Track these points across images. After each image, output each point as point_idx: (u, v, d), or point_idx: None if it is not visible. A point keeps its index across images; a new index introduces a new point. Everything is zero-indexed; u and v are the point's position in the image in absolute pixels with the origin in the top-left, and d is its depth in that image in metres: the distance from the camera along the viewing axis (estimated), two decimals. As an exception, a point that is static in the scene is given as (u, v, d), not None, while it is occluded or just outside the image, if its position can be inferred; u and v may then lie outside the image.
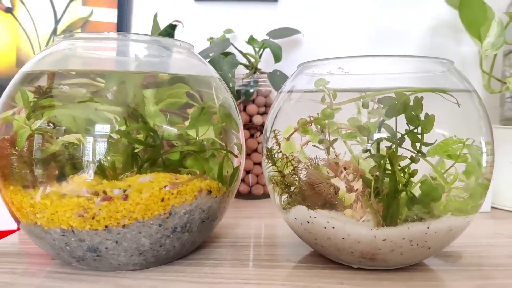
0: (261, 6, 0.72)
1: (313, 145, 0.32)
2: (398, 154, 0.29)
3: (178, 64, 0.37)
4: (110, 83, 0.32)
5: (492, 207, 0.57)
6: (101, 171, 0.29)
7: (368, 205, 0.30)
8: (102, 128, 0.29)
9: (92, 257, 0.31)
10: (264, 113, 0.63)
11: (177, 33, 0.59)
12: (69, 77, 0.32)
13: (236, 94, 0.62)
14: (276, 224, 0.49)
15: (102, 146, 0.29)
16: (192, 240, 0.34)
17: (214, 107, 0.34)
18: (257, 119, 0.62)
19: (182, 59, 0.37)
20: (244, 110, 0.63)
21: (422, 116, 0.29)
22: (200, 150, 0.33)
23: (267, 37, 0.65)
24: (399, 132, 0.28)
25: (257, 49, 0.64)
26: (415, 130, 0.29)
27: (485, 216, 0.53)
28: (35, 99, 0.30)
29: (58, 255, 0.32)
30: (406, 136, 0.29)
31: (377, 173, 0.29)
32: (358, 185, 0.30)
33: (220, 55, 0.57)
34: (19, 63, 0.69)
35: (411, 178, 0.29)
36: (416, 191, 0.30)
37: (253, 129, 0.62)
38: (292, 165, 0.34)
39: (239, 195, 0.62)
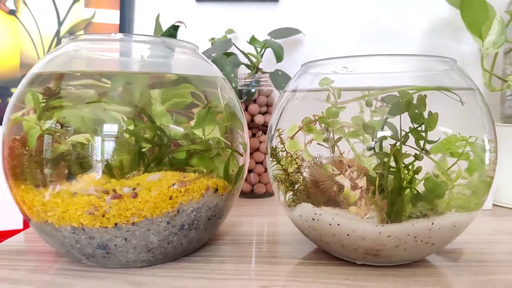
0: (262, 7, 0.73)
1: (318, 144, 0.32)
2: (402, 151, 0.29)
3: (184, 65, 0.38)
4: (118, 83, 0.33)
5: (494, 205, 0.57)
6: (110, 170, 0.30)
7: (372, 202, 0.30)
8: (111, 128, 0.30)
9: (101, 254, 0.31)
10: (266, 113, 0.64)
11: (179, 34, 0.60)
12: (77, 78, 0.32)
13: (238, 94, 0.62)
14: (278, 222, 0.50)
15: (111, 145, 0.29)
16: (199, 238, 0.35)
17: (220, 107, 0.35)
18: (259, 119, 0.63)
19: (187, 60, 0.37)
20: (246, 109, 0.63)
21: (425, 114, 0.29)
22: (206, 149, 0.33)
23: (268, 37, 0.66)
24: (403, 130, 0.29)
25: (258, 49, 0.65)
26: (419, 128, 0.29)
27: (487, 213, 0.54)
28: (44, 100, 0.31)
29: (68, 252, 0.32)
30: (410, 134, 0.29)
31: (382, 170, 0.30)
32: (362, 182, 0.31)
33: (222, 55, 0.57)
34: (23, 65, 0.70)
35: (416, 175, 0.29)
36: (420, 188, 0.31)
37: (254, 128, 0.63)
38: (297, 163, 0.34)
39: (241, 193, 0.63)
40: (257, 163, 0.63)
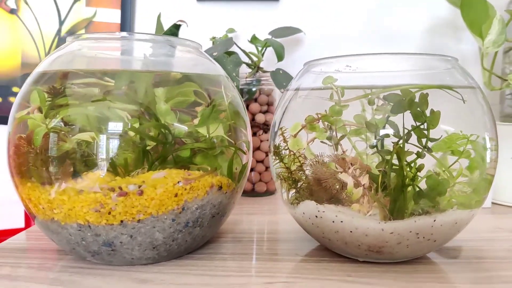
0: (263, 6, 0.73)
1: (321, 142, 0.33)
2: (405, 149, 0.30)
3: (188, 63, 0.38)
4: (123, 82, 0.33)
5: (493, 203, 0.58)
6: (115, 168, 0.30)
7: (375, 199, 0.30)
8: (117, 126, 0.30)
9: (106, 252, 0.31)
10: (267, 112, 0.64)
11: (180, 33, 0.60)
12: (82, 76, 0.32)
13: (240, 93, 0.63)
14: (279, 220, 0.50)
15: (117, 143, 0.30)
16: (203, 235, 0.35)
17: (223, 105, 0.35)
18: (260, 118, 0.63)
19: (191, 58, 0.38)
20: (247, 108, 0.63)
21: (427, 112, 0.30)
22: (210, 147, 0.34)
23: (269, 36, 0.66)
24: (406, 128, 0.29)
25: (259, 48, 0.65)
26: (421, 126, 0.30)
27: (486, 211, 0.54)
28: (50, 99, 0.31)
29: (74, 249, 0.32)
30: (412, 132, 0.30)
31: (384, 168, 0.30)
32: (365, 180, 0.31)
33: (224, 54, 0.57)
34: (24, 64, 0.70)
35: (418, 173, 0.30)
36: (422, 185, 0.31)
37: (255, 127, 0.63)
38: (300, 161, 0.35)
39: (242, 192, 0.63)
40: (258, 161, 0.63)
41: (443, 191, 0.30)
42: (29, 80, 0.34)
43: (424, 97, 0.30)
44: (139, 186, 0.30)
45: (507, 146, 0.55)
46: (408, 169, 0.30)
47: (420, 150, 0.30)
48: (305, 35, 0.72)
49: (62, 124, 0.30)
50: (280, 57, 0.63)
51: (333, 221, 0.32)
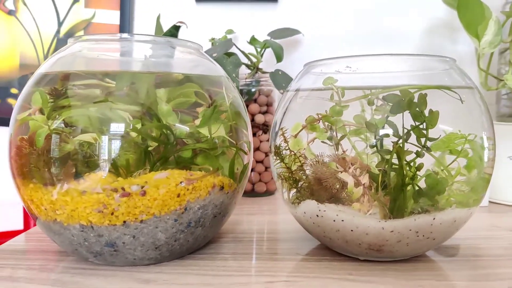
0: (261, 7, 0.74)
1: (322, 142, 0.33)
2: (404, 149, 0.30)
3: (189, 64, 0.38)
4: (124, 83, 0.33)
5: (490, 202, 0.59)
6: (117, 169, 0.30)
7: (375, 198, 0.31)
8: (119, 127, 0.30)
9: (109, 252, 0.32)
10: (266, 112, 0.65)
11: (179, 34, 0.60)
12: (85, 78, 0.33)
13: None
14: (279, 220, 0.50)
15: (119, 144, 0.30)
16: (205, 235, 0.35)
17: (225, 106, 0.35)
18: (259, 118, 0.63)
19: (192, 59, 0.38)
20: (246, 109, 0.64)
21: (426, 112, 0.30)
22: (212, 147, 0.34)
23: (268, 37, 0.66)
24: (405, 128, 0.30)
25: (258, 49, 0.65)
26: (420, 126, 0.30)
27: (483, 210, 0.55)
28: (52, 100, 0.31)
29: (76, 250, 0.33)
30: (411, 132, 0.30)
31: (384, 167, 0.30)
32: (365, 179, 0.31)
33: (223, 55, 0.58)
34: (22, 65, 0.70)
35: (417, 172, 0.30)
36: (421, 185, 0.32)
37: (255, 128, 0.64)
38: (300, 161, 0.35)
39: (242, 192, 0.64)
40: (257, 162, 0.64)
41: (442, 190, 0.31)
42: (30, 81, 0.34)
43: (423, 98, 0.30)
44: (142, 187, 0.30)
45: (504, 145, 0.56)
46: (407, 168, 0.31)
47: (419, 150, 0.30)
48: (304, 36, 0.72)
49: (63, 125, 0.30)
50: (279, 58, 0.63)
51: (334, 220, 0.32)
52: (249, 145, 0.38)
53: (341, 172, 0.32)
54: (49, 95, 0.32)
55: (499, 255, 0.37)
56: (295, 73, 0.41)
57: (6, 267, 0.34)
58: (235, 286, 0.30)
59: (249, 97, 0.63)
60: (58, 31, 0.70)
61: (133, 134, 0.31)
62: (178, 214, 0.31)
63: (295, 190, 0.36)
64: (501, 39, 0.52)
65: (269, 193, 0.65)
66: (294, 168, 0.35)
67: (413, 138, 0.31)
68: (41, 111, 0.32)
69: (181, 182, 0.31)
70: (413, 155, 0.31)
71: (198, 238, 0.35)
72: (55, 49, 0.70)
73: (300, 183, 0.35)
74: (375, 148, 0.31)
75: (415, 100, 0.30)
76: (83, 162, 0.30)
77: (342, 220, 0.32)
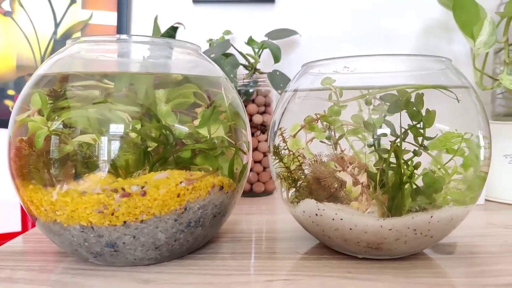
0: (258, 7, 0.74)
1: (321, 141, 0.33)
2: (402, 148, 0.30)
3: (188, 65, 0.38)
4: (123, 84, 0.33)
5: (486, 200, 0.59)
6: (117, 169, 0.30)
7: (374, 197, 0.31)
8: (118, 128, 0.30)
9: (109, 253, 0.32)
10: (264, 112, 0.65)
11: (177, 35, 0.60)
12: (83, 79, 0.33)
13: (237, 94, 0.63)
14: (277, 219, 0.51)
15: (119, 145, 0.30)
16: (204, 235, 0.35)
17: (224, 106, 0.35)
18: (257, 118, 0.64)
19: (191, 60, 0.38)
20: (244, 109, 0.64)
21: (423, 112, 0.30)
22: (211, 148, 0.34)
23: (265, 38, 0.67)
24: (403, 127, 0.30)
25: (256, 50, 0.66)
26: (418, 125, 0.30)
27: (480, 208, 0.55)
28: (51, 101, 0.31)
29: (76, 251, 0.33)
30: (408, 131, 0.30)
31: (382, 166, 0.31)
32: (363, 178, 0.32)
33: (221, 56, 0.58)
34: (19, 66, 0.70)
35: (415, 171, 0.31)
36: (418, 183, 0.32)
37: (253, 128, 0.64)
38: (299, 161, 0.35)
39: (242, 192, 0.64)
40: (256, 162, 0.64)
41: (439, 188, 0.31)
42: (29, 83, 0.34)
43: (420, 97, 0.31)
44: (142, 187, 0.30)
45: (499, 144, 0.56)
46: (405, 167, 0.31)
47: (416, 149, 0.31)
48: (301, 37, 0.73)
49: (63, 126, 0.30)
50: (276, 59, 0.64)
51: (333, 219, 0.32)
52: (248, 145, 0.38)
53: (340, 171, 0.32)
54: (48, 96, 0.32)
55: (495, 252, 0.38)
56: (293, 73, 0.42)
57: (5, 269, 0.34)
58: (235, 285, 0.30)
59: (247, 97, 0.63)
60: (55, 32, 0.70)
61: (133, 135, 0.31)
62: (178, 214, 0.31)
63: (294, 189, 0.36)
64: (496, 39, 0.53)
65: (267, 193, 0.65)
66: (293, 167, 0.35)
67: (410, 137, 0.31)
68: (39, 113, 0.32)
69: (181, 182, 0.31)
70: (411, 154, 0.31)
71: (198, 238, 0.35)
72: (52, 51, 0.70)
73: (299, 182, 0.36)
74: (373, 147, 0.31)
75: (412, 99, 0.31)
76: (83, 163, 0.30)
77: (341, 219, 0.32)
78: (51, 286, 0.31)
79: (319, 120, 0.34)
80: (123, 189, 0.29)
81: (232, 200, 0.37)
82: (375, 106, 0.32)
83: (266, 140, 0.64)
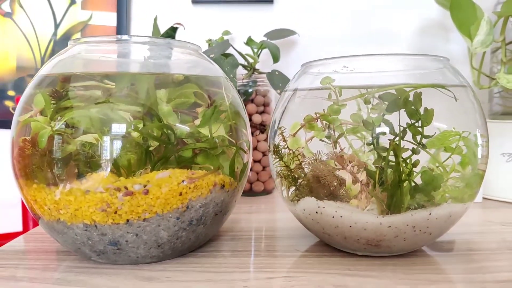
0: (257, 8, 0.74)
1: (320, 140, 0.34)
2: (401, 146, 0.31)
3: (189, 65, 0.39)
4: (125, 84, 0.33)
5: (484, 198, 0.60)
6: (119, 169, 0.31)
7: (373, 195, 0.32)
8: (121, 128, 0.30)
9: (112, 251, 0.32)
10: (263, 112, 0.65)
11: (176, 35, 0.61)
12: (86, 79, 0.33)
13: (236, 94, 0.64)
14: (277, 218, 0.51)
15: (120, 144, 0.30)
16: (206, 233, 0.36)
17: (224, 106, 0.36)
18: (256, 118, 0.64)
19: (192, 60, 0.38)
20: (244, 109, 0.64)
21: (421, 110, 0.31)
22: (212, 147, 0.34)
23: (264, 38, 0.67)
24: (401, 126, 0.31)
25: (255, 50, 0.66)
26: (416, 124, 0.31)
27: (477, 206, 0.56)
28: (54, 101, 0.32)
29: (79, 249, 0.33)
30: (407, 129, 0.31)
31: (381, 164, 0.31)
32: (363, 176, 0.32)
33: (220, 56, 0.58)
34: (19, 67, 0.70)
35: (414, 168, 0.31)
36: (417, 181, 0.32)
37: (252, 127, 0.64)
38: (299, 159, 0.36)
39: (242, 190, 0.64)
40: (255, 161, 0.64)
41: (438, 186, 0.32)
42: (32, 83, 0.34)
43: (418, 96, 0.31)
44: (145, 186, 0.30)
45: (496, 143, 0.57)
46: (404, 165, 0.31)
47: (415, 147, 0.31)
48: (299, 37, 0.73)
49: (65, 126, 0.31)
50: (275, 59, 0.64)
51: (333, 217, 0.33)
52: (248, 144, 0.39)
53: (339, 170, 0.32)
54: (51, 96, 0.32)
55: (492, 249, 0.38)
56: (292, 73, 0.42)
57: (9, 267, 0.34)
58: (237, 282, 0.31)
59: (246, 97, 0.64)
60: (55, 33, 0.70)
61: (135, 134, 0.31)
62: (180, 212, 0.32)
63: (294, 187, 0.37)
64: (493, 38, 0.54)
65: (266, 192, 0.65)
66: (293, 166, 0.36)
67: (409, 135, 0.31)
68: (41, 113, 0.32)
69: (183, 181, 0.31)
70: (409, 152, 0.31)
71: (200, 236, 0.35)
72: (52, 51, 0.70)
73: (299, 181, 0.36)
74: (372, 145, 0.32)
75: (411, 98, 0.31)
76: (85, 162, 0.30)
77: (341, 216, 0.32)
78: (56, 284, 0.31)
79: (318, 119, 0.34)
80: (126, 187, 0.30)
81: (233, 198, 0.37)
82: (374, 105, 0.33)
83: (265, 140, 0.64)
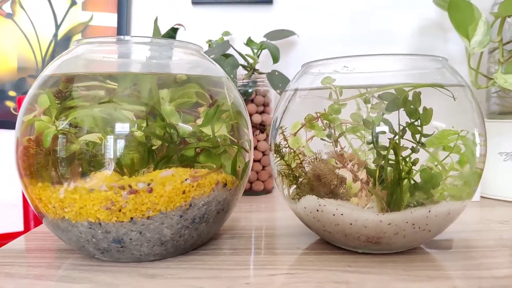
0: (257, 8, 0.75)
1: (321, 139, 0.34)
2: (400, 145, 0.31)
3: (190, 65, 0.39)
4: (128, 84, 0.34)
5: (482, 197, 0.60)
6: (123, 168, 0.31)
7: (373, 193, 0.32)
8: (124, 127, 0.31)
9: (116, 248, 0.32)
10: (263, 112, 0.66)
11: (177, 36, 0.61)
12: (89, 79, 0.33)
13: (237, 94, 0.64)
14: (278, 217, 0.52)
15: (124, 144, 0.31)
16: (208, 231, 0.36)
17: (226, 105, 0.36)
18: (256, 118, 0.64)
19: (194, 60, 0.39)
20: (244, 109, 0.65)
21: (420, 110, 0.31)
22: (214, 146, 0.35)
23: (264, 39, 0.68)
24: (401, 125, 0.31)
25: (255, 51, 0.67)
26: (415, 123, 0.31)
27: (475, 204, 0.57)
28: (58, 101, 0.32)
29: (83, 247, 0.33)
30: (406, 128, 0.31)
31: (381, 163, 0.32)
32: (363, 175, 0.33)
33: (221, 56, 0.59)
34: (20, 68, 0.70)
35: (413, 167, 0.32)
36: (416, 179, 0.33)
37: (252, 127, 0.64)
38: (300, 158, 0.36)
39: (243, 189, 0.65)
40: (255, 161, 0.65)
41: (437, 184, 0.32)
42: (36, 84, 0.35)
43: (417, 95, 0.32)
44: (149, 184, 0.31)
45: (494, 142, 0.58)
46: (403, 163, 0.32)
47: (414, 146, 0.32)
48: (299, 37, 0.74)
49: (69, 125, 0.31)
50: (275, 59, 0.64)
51: (334, 214, 0.33)
52: (249, 143, 0.39)
53: (340, 168, 0.33)
54: (55, 96, 0.33)
55: (490, 246, 0.39)
56: (292, 73, 0.43)
57: (14, 265, 0.35)
58: (240, 279, 0.31)
59: (246, 97, 0.64)
60: (55, 34, 0.70)
61: (138, 134, 0.32)
62: (184, 210, 0.32)
63: (295, 186, 0.37)
64: (490, 39, 0.54)
65: (266, 191, 0.66)
66: (293, 165, 0.36)
67: (408, 134, 0.32)
68: (45, 113, 0.33)
69: (186, 179, 0.32)
70: (409, 151, 0.32)
71: (202, 234, 0.36)
72: (53, 52, 0.70)
73: (300, 179, 0.36)
74: (372, 144, 0.32)
75: (410, 98, 0.32)
76: (89, 161, 0.31)
77: (342, 214, 0.33)
78: (60, 282, 0.31)
79: (319, 119, 0.35)
80: (130, 186, 0.30)
81: (235, 197, 0.38)
82: (374, 104, 0.33)
83: (265, 140, 0.65)
